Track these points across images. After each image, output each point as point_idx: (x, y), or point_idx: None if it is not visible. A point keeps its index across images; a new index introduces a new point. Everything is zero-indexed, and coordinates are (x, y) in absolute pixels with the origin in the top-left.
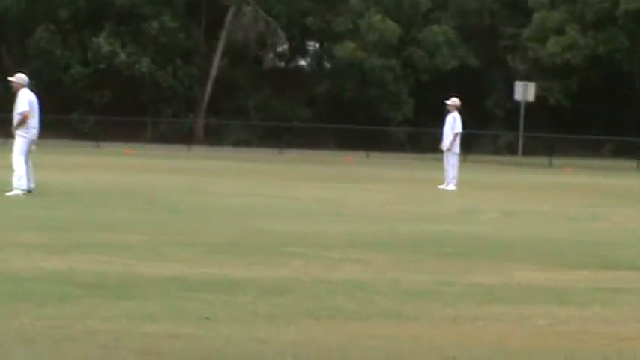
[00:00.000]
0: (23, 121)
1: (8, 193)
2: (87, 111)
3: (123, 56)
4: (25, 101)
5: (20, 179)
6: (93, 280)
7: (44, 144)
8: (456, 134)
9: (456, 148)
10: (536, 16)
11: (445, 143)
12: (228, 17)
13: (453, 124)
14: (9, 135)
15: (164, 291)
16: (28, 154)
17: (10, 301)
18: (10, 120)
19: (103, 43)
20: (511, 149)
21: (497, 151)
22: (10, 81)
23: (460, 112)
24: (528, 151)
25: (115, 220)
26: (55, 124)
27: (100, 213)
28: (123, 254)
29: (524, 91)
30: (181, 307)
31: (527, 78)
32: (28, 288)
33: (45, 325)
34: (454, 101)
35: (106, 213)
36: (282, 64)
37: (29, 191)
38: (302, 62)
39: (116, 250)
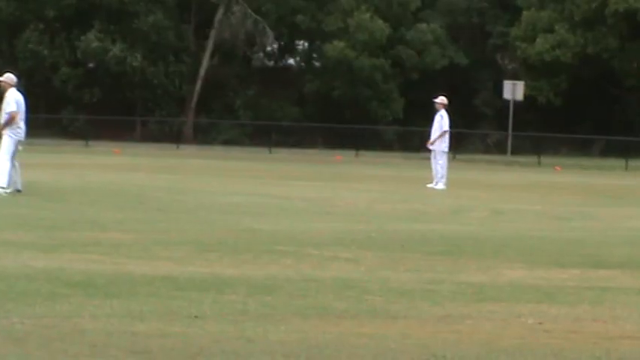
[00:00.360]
0: (11, 120)
1: None
2: (76, 110)
3: (116, 50)
4: (13, 101)
5: (3, 178)
6: (82, 279)
7: (34, 143)
8: (444, 132)
9: (445, 147)
10: (525, 14)
11: (431, 141)
12: (218, 16)
13: (440, 123)
14: None
15: (153, 290)
16: (14, 154)
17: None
18: None
19: (93, 38)
20: (500, 148)
21: (486, 150)
22: None
23: (448, 111)
24: (517, 150)
25: (105, 219)
26: (45, 123)
27: (89, 212)
28: (112, 253)
29: (513, 90)
30: (170, 305)
31: (515, 77)
32: (17, 287)
33: (35, 324)
34: (442, 100)
35: (95, 212)
36: (272, 63)
37: (17, 191)
38: (291, 61)
39: (105, 249)
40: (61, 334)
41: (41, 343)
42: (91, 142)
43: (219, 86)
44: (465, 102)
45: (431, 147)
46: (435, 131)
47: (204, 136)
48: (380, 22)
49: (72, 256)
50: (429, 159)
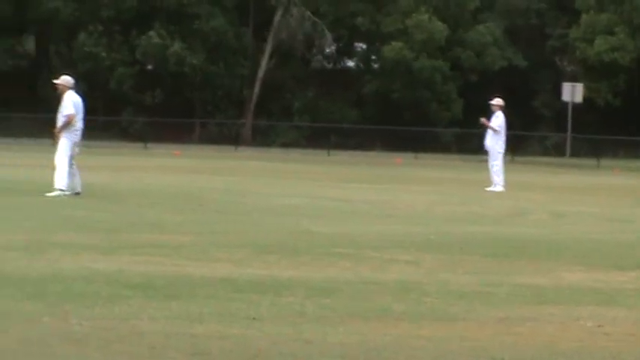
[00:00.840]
0: (68, 123)
1: (48, 194)
2: (135, 112)
3: (176, 47)
4: (70, 104)
5: (61, 180)
6: (141, 280)
7: (93, 145)
8: (495, 130)
9: (500, 147)
10: (584, 17)
11: (486, 142)
12: (276, 18)
13: (495, 123)
14: (54, 136)
15: (212, 292)
16: (72, 156)
17: (58, 301)
18: (53, 122)
19: (154, 35)
20: (559, 150)
21: (545, 152)
22: (55, 83)
23: (505, 113)
24: (576, 153)
25: (164, 221)
26: (104, 125)
27: (148, 214)
28: (171, 255)
29: (572, 92)
30: (229, 307)
31: (574, 79)
32: (76, 289)
33: (94, 325)
34: (498, 101)
35: (154, 214)
36: (330, 65)
37: (76, 193)
38: (349, 63)
39: (164, 250)
40: (119, 335)
41: (100, 345)
42: (149, 144)
43: (278, 88)
44: (524, 104)
45: (486, 147)
46: (490, 133)
47: (262, 138)
48: (439, 23)
49: (131, 258)
50: (487, 161)
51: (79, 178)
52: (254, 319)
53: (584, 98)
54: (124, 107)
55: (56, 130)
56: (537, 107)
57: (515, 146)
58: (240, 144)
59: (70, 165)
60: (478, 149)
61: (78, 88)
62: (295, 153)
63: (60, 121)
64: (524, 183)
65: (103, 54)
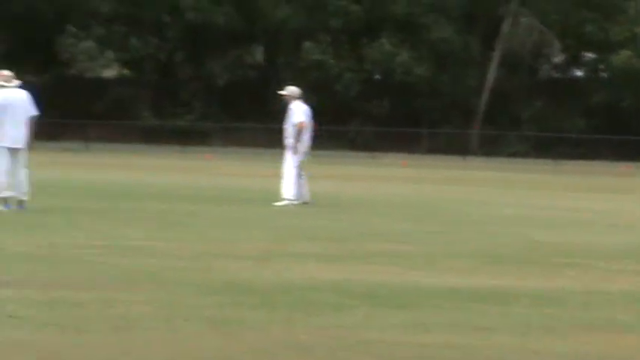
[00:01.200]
0: (299, 132)
1: (276, 203)
2: (362, 122)
3: (404, 56)
4: (300, 113)
5: (290, 189)
6: (367, 290)
7: (320, 155)
8: None
9: None
10: None
11: None
12: (504, 28)
13: None
14: (283, 146)
15: (438, 301)
16: (301, 165)
17: (285, 310)
18: (282, 132)
19: (384, 42)
20: None
21: None
22: (281, 95)
23: None
24: None
25: (390, 231)
26: (330, 135)
27: (375, 223)
28: (397, 264)
29: None
30: (456, 317)
31: None
32: (303, 298)
33: (320, 334)
34: None
35: (381, 223)
36: (558, 74)
37: (304, 203)
38: (577, 72)
39: (391, 260)
40: (345, 345)
41: (326, 354)
42: (376, 154)
43: (505, 98)
44: None
45: None
46: None
47: (490, 147)
48: None
49: (358, 267)
50: None
51: (308, 188)
52: (480, 328)
53: None
54: (351, 117)
55: (291, 143)
56: None
57: None
58: (467, 154)
59: (299, 175)
60: None
61: (306, 98)
62: (522, 163)
63: (289, 131)
64: None
65: (331, 61)
